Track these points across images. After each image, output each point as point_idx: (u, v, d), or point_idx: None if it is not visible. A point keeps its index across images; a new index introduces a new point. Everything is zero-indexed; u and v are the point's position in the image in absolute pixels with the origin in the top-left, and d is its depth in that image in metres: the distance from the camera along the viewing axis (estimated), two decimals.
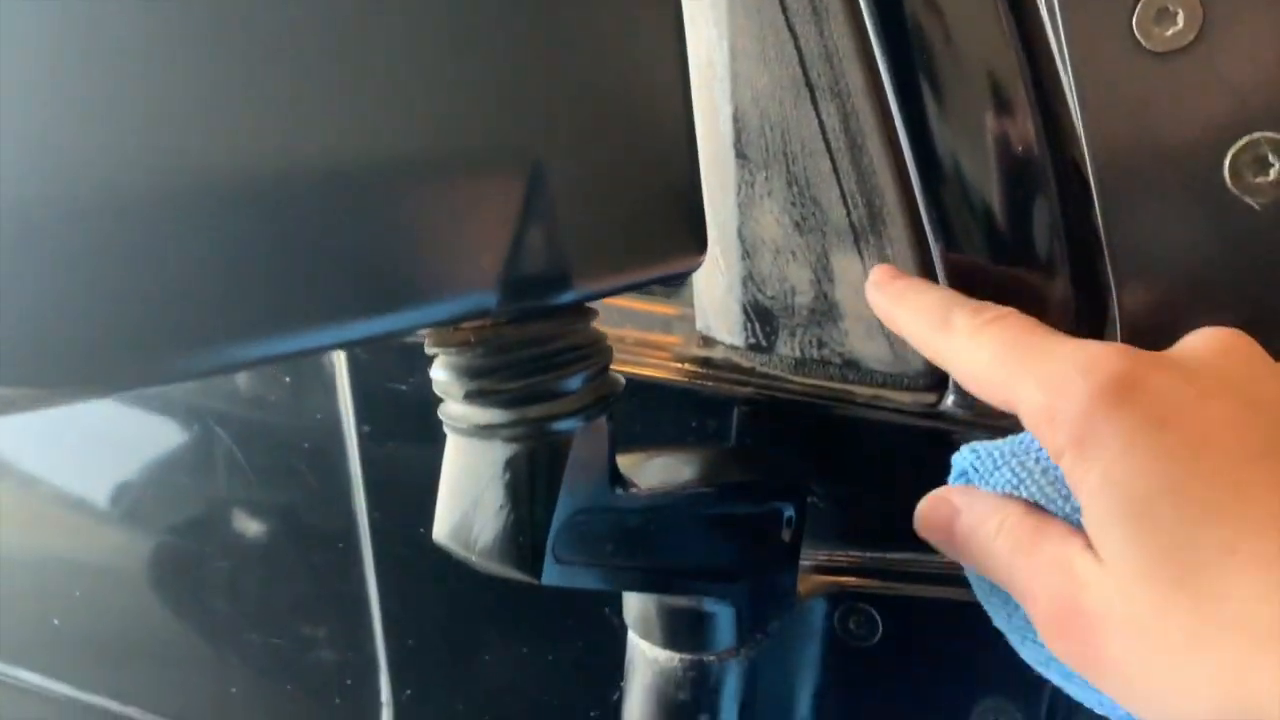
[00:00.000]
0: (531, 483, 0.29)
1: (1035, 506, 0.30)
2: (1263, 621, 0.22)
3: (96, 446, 0.61)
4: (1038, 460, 0.31)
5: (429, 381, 0.52)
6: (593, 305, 0.31)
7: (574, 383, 0.29)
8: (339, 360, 0.53)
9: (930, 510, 0.34)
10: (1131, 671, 0.25)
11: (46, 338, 0.21)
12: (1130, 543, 0.25)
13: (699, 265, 0.30)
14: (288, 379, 0.54)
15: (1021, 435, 0.32)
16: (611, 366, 0.32)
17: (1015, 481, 0.31)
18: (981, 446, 0.33)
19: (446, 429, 0.31)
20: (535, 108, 0.26)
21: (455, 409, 0.30)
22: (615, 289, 0.29)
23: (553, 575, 0.30)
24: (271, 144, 0.23)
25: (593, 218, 0.28)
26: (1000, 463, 0.32)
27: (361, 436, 0.53)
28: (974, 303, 0.33)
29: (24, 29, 0.20)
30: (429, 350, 0.30)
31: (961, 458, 0.34)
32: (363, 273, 0.25)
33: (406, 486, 0.53)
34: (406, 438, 0.52)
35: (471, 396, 0.29)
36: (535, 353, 0.28)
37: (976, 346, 0.30)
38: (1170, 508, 0.24)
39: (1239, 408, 0.25)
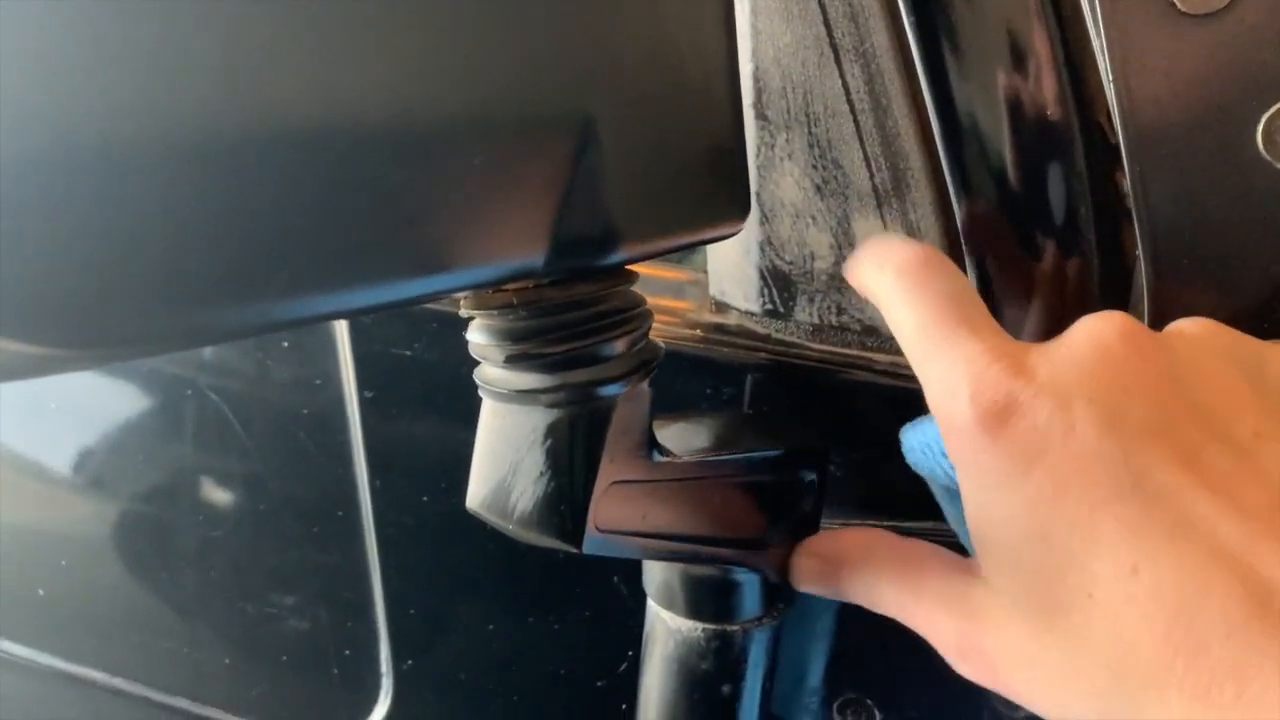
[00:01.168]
0: (572, 449, 0.28)
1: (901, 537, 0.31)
2: (1115, 659, 0.24)
3: (89, 415, 0.59)
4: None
5: (433, 347, 0.51)
6: (633, 269, 0.30)
7: (618, 347, 0.28)
8: (340, 325, 0.51)
9: (803, 568, 0.36)
10: (1034, 697, 0.27)
11: (89, 294, 0.20)
12: (1008, 582, 0.27)
13: (740, 229, 0.30)
14: (286, 344, 0.53)
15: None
16: None
17: None
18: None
19: (483, 393, 0.30)
20: (584, 65, 0.25)
21: (494, 373, 0.29)
22: (661, 251, 0.28)
23: (593, 545, 0.29)
24: (318, 99, 0.22)
25: (641, 178, 0.27)
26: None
27: (363, 403, 0.51)
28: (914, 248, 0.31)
29: None
30: (465, 312, 0.29)
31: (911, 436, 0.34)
32: (409, 232, 0.24)
33: (409, 454, 0.52)
34: (409, 405, 0.51)
35: (512, 360, 0.28)
36: (579, 315, 0.27)
37: (903, 304, 0.29)
38: (1035, 555, 0.25)
39: (1100, 437, 0.25)
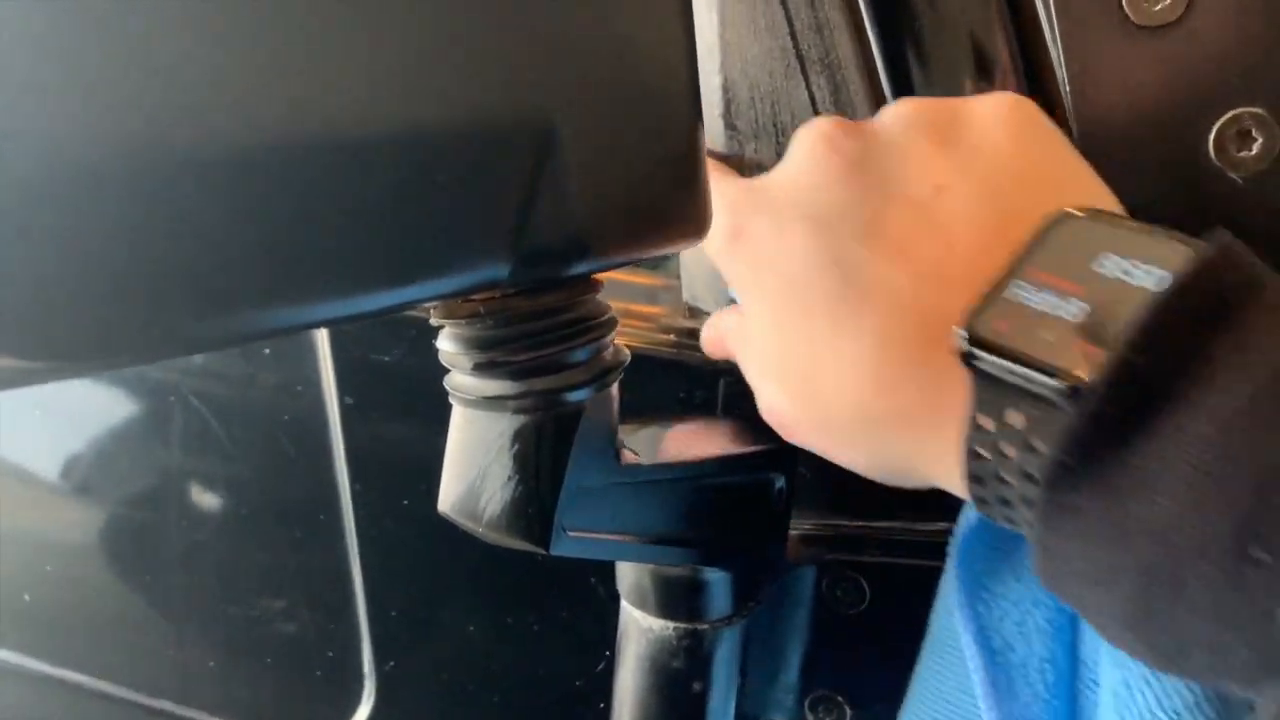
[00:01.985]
0: (540, 454, 0.29)
1: None
2: (840, 416, 0.30)
3: (74, 420, 0.60)
4: None
5: (412, 353, 0.52)
6: (598, 277, 0.31)
7: (583, 354, 0.29)
8: (320, 332, 0.52)
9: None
10: (801, 441, 0.33)
11: (63, 308, 0.21)
12: (764, 365, 0.32)
13: (703, 238, 0.30)
14: (267, 350, 0.54)
15: None
16: None
17: None
18: None
19: (453, 400, 0.31)
20: (547, 73, 0.26)
21: (463, 380, 0.30)
22: (623, 262, 0.29)
23: (561, 546, 0.30)
24: (278, 111, 0.23)
25: (605, 188, 0.27)
26: None
27: (344, 408, 0.52)
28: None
29: None
30: (435, 322, 0.30)
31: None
32: (375, 245, 0.24)
33: (389, 459, 0.53)
34: (389, 410, 0.52)
35: (480, 368, 0.29)
36: (545, 324, 0.28)
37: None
38: (779, 344, 0.31)
39: (804, 235, 0.30)
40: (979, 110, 0.31)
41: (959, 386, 0.26)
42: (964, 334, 0.25)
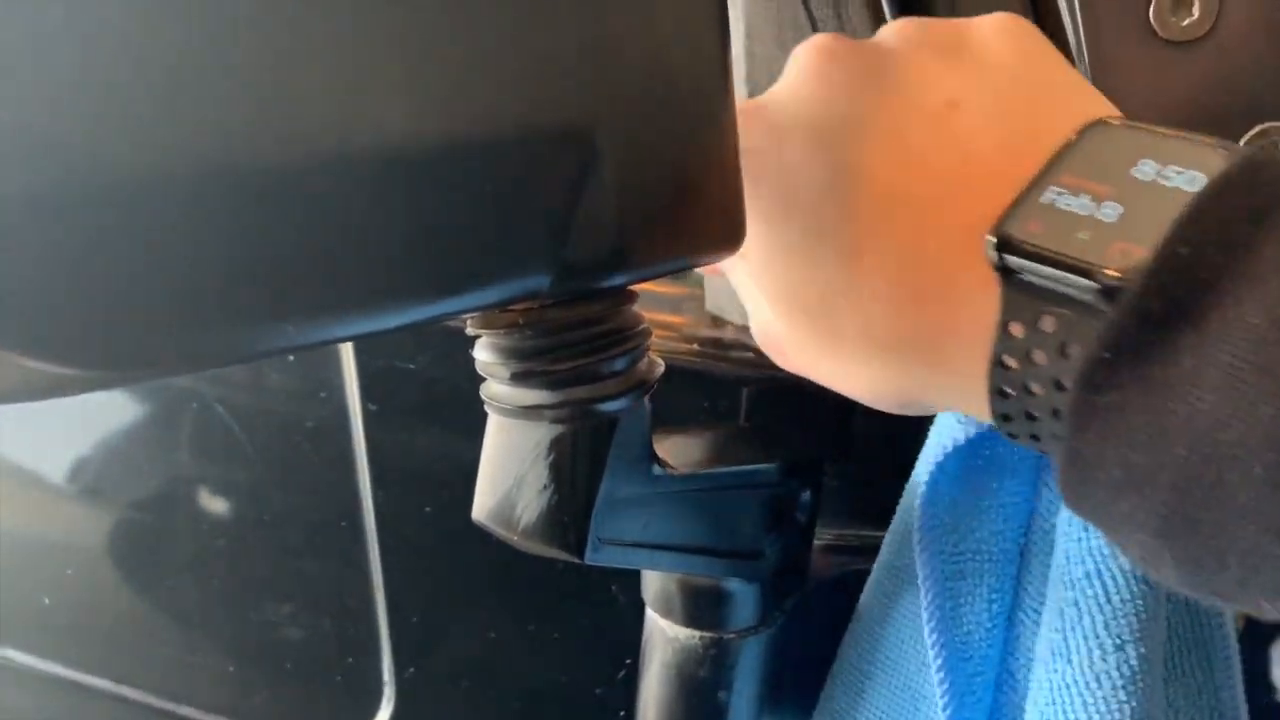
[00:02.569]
0: (575, 463, 0.29)
1: None
2: (864, 336, 0.28)
3: (92, 427, 0.60)
4: None
5: (437, 361, 0.52)
6: (634, 288, 0.31)
7: (619, 364, 0.29)
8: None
9: None
10: (819, 377, 0.31)
11: (103, 317, 0.21)
12: (772, 289, 0.30)
13: (739, 249, 0.31)
14: (291, 357, 0.54)
15: None
16: None
17: None
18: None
19: (489, 409, 0.31)
20: (586, 84, 0.26)
21: (500, 390, 0.30)
22: (658, 274, 0.29)
23: (595, 555, 0.30)
24: (321, 124, 0.23)
25: (643, 199, 0.28)
26: None
27: (367, 415, 0.52)
28: None
29: None
30: (472, 331, 0.30)
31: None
32: (417, 257, 0.25)
33: (412, 466, 0.53)
34: (413, 417, 0.52)
35: (518, 378, 0.29)
36: (583, 334, 0.28)
37: None
38: (785, 266, 0.29)
39: (806, 146, 0.29)
40: (982, 27, 0.30)
41: (983, 299, 0.25)
42: (994, 238, 0.24)
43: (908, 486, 0.38)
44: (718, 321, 0.48)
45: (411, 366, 0.51)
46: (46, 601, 0.64)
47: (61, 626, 0.65)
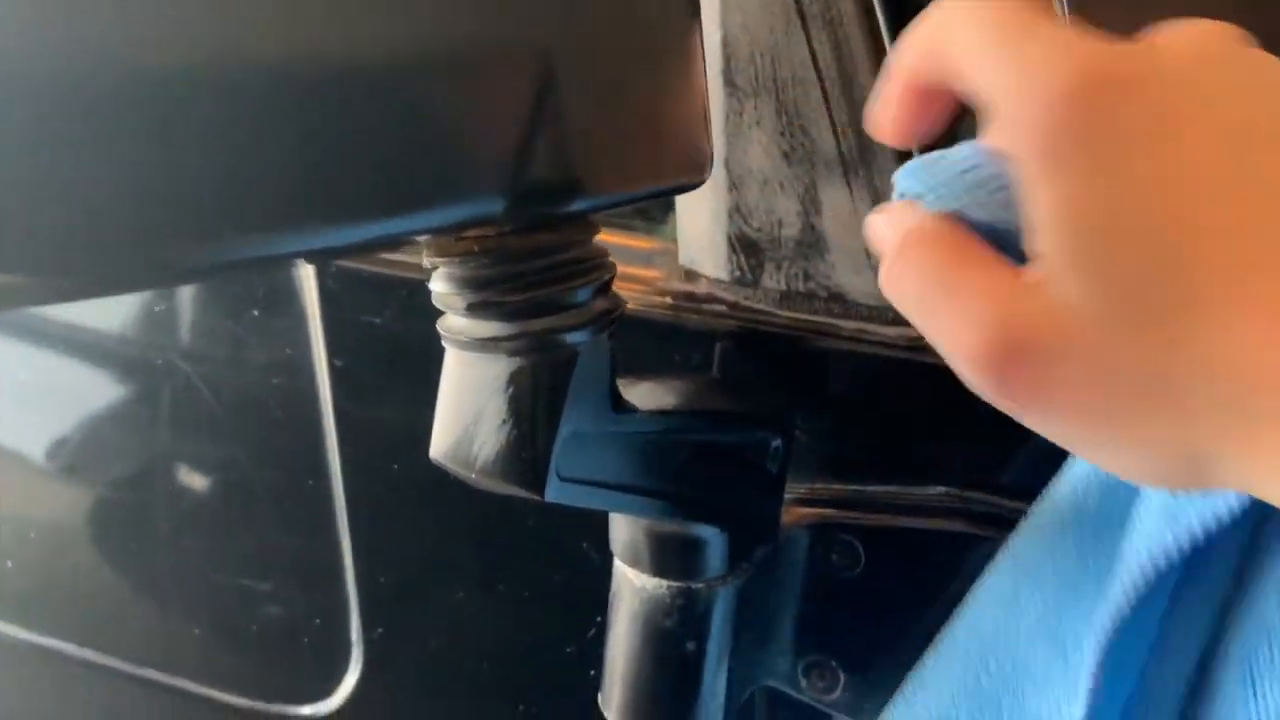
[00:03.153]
0: (535, 397, 0.29)
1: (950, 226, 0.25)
2: (1218, 375, 0.21)
3: (55, 388, 0.59)
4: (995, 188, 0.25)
5: (403, 314, 0.51)
6: (595, 219, 0.30)
7: (580, 295, 0.28)
8: (309, 292, 0.51)
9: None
10: (1082, 416, 0.23)
11: (55, 225, 0.20)
12: (1090, 280, 0.22)
13: (704, 180, 0.30)
14: (256, 312, 0.53)
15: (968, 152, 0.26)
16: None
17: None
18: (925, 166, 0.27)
19: (446, 343, 0.30)
20: (545, 5, 0.26)
21: (456, 322, 0.29)
22: (623, 201, 0.28)
23: (555, 492, 0.29)
24: (275, 36, 0.22)
25: (604, 123, 0.27)
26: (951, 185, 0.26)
27: (333, 371, 0.52)
28: None
29: None
30: (428, 262, 0.29)
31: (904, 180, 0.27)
32: (367, 173, 0.24)
33: (379, 422, 0.52)
34: (380, 372, 0.51)
35: (474, 309, 0.28)
36: (541, 264, 0.28)
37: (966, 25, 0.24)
38: (1135, 249, 0.22)
39: (1219, 137, 0.22)
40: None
41: None
42: None
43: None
44: (691, 275, 0.47)
45: (378, 320, 0.50)
46: (9, 564, 0.63)
47: (23, 591, 0.64)
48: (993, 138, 0.24)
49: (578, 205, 0.27)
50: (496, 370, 0.29)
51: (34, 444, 0.62)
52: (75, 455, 0.61)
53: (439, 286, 0.29)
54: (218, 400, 0.55)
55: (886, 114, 0.27)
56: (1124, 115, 0.22)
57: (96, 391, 0.59)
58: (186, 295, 0.55)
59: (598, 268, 0.29)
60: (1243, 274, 0.21)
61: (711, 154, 0.30)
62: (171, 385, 0.56)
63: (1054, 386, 0.23)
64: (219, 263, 0.23)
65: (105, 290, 0.22)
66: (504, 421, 0.29)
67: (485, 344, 0.29)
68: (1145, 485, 0.26)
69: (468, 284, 0.28)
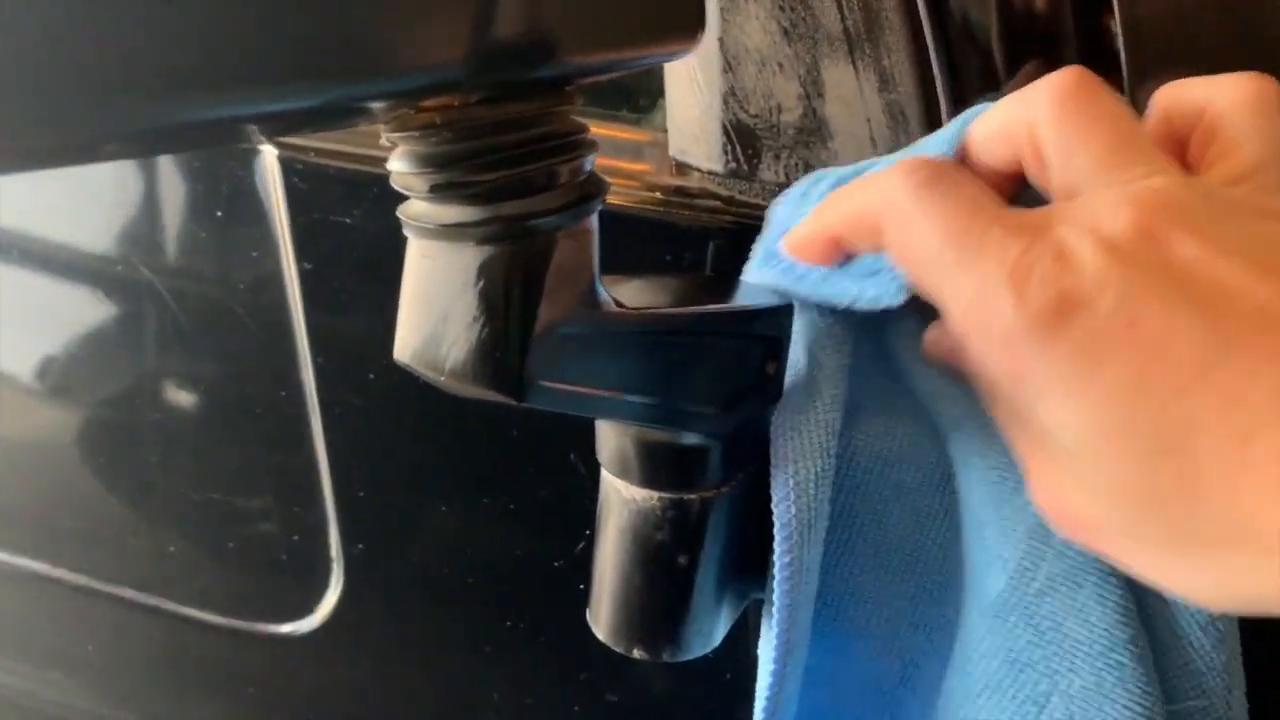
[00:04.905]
0: (509, 290, 0.26)
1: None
2: (1232, 531, 0.23)
3: (25, 308, 0.56)
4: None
5: (373, 214, 0.48)
6: (573, 91, 0.27)
7: (556, 175, 0.25)
8: (275, 191, 0.48)
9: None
10: (1141, 567, 0.25)
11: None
12: (1097, 477, 0.24)
13: (695, 46, 0.27)
14: (219, 213, 0.49)
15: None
16: None
17: None
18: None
19: (408, 231, 0.27)
20: None
21: (419, 207, 0.26)
22: (603, 66, 0.25)
23: (534, 397, 0.27)
24: None
25: None
26: None
27: (302, 275, 0.48)
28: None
29: None
30: (386, 137, 0.26)
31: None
32: (317, 25, 0.21)
33: (353, 328, 0.49)
34: (351, 276, 0.48)
35: (438, 190, 0.25)
36: (512, 138, 0.24)
37: (925, 215, 0.26)
38: (1125, 447, 0.23)
39: (1172, 309, 0.22)
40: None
41: None
42: None
43: None
44: (682, 169, 0.44)
45: (347, 220, 0.47)
46: None
47: (4, 512, 0.62)
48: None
49: (553, 69, 0.24)
50: (465, 261, 0.26)
51: (20, 364, 0.59)
52: (36, 373, 0.58)
53: (398, 166, 0.26)
54: (183, 309, 0.52)
55: (801, 249, 0.31)
56: (1077, 330, 0.23)
57: (58, 306, 0.56)
58: (147, 199, 0.52)
59: (578, 145, 0.26)
60: (1238, 446, 0.22)
61: (704, 14, 0.26)
62: (133, 293, 0.53)
63: (1097, 536, 0.26)
64: (162, 125, 0.20)
65: (48, 158, 0.20)
66: (475, 319, 0.26)
67: (451, 231, 0.26)
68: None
69: (430, 162, 0.25)
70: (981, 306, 0.24)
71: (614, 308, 0.29)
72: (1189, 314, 0.22)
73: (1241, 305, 0.22)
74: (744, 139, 0.41)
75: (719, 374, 0.33)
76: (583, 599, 0.48)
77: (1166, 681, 0.32)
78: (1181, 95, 0.28)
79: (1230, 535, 0.23)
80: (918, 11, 0.37)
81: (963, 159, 0.29)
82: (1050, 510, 0.27)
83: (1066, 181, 0.26)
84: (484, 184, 0.25)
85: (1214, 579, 0.24)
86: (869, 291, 0.29)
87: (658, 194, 0.44)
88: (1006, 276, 0.23)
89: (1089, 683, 0.31)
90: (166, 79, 0.20)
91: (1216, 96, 0.27)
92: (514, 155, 0.25)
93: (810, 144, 0.40)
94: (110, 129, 0.20)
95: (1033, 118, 0.26)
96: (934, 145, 0.29)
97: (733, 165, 0.42)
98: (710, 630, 0.38)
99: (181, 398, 0.54)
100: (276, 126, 0.23)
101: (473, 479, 0.50)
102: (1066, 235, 0.24)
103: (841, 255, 0.30)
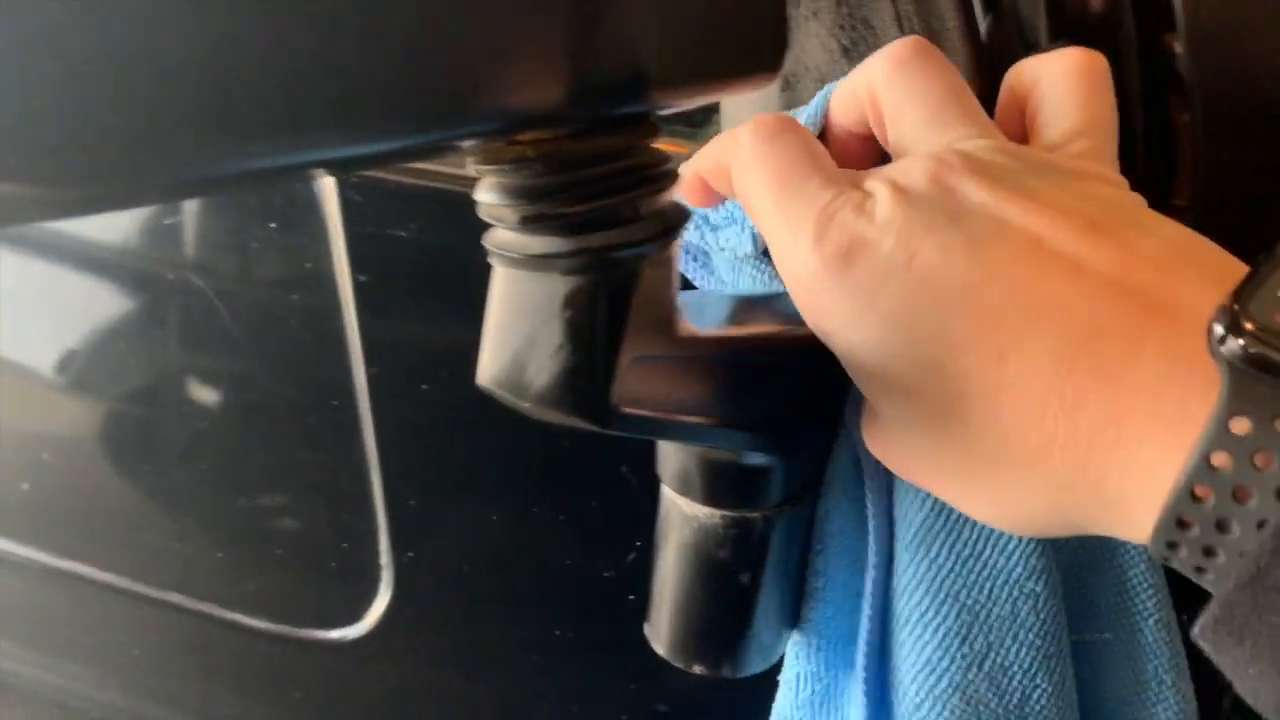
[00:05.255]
0: (594, 319, 0.26)
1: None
2: (1000, 449, 0.24)
3: (75, 309, 0.57)
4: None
5: (430, 227, 0.48)
6: (657, 122, 0.27)
7: (642, 207, 0.26)
8: (330, 204, 0.48)
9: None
10: (941, 491, 0.28)
11: (65, 131, 0.18)
12: (890, 407, 0.27)
13: (774, 79, 0.27)
14: (272, 225, 0.50)
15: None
16: None
17: None
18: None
19: (494, 260, 0.27)
20: None
21: (506, 237, 0.26)
22: (689, 100, 0.25)
23: (617, 423, 0.27)
24: None
25: (670, 13, 0.24)
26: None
27: (357, 287, 0.49)
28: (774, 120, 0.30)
29: None
30: (475, 169, 0.26)
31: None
32: (413, 71, 0.21)
33: (406, 340, 0.50)
34: (406, 289, 0.49)
35: (528, 222, 0.25)
36: (601, 171, 0.25)
37: (755, 167, 0.28)
38: (905, 376, 0.25)
39: (946, 243, 0.24)
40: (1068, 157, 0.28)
41: (1179, 393, 0.22)
42: (1225, 321, 0.21)
43: None
44: None
45: (404, 234, 0.47)
46: (25, 488, 0.62)
47: (47, 513, 0.63)
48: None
49: (642, 105, 0.24)
50: (551, 290, 0.26)
51: (48, 360, 0.59)
52: (85, 373, 0.59)
53: (486, 197, 0.26)
54: (233, 316, 0.52)
55: (684, 190, 0.33)
56: (860, 270, 0.25)
57: (108, 309, 0.57)
58: (198, 207, 0.53)
59: (662, 176, 0.26)
60: (995, 363, 0.24)
61: (785, 50, 0.27)
62: (185, 301, 0.53)
63: (900, 465, 0.29)
64: (239, 170, 0.20)
65: (107, 203, 0.20)
66: (560, 347, 0.26)
67: (539, 261, 0.26)
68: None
69: (520, 194, 0.25)
70: (790, 251, 0.26)
71: (693, 332, 0.29)
72: (961, 247, 0.24)
73: (1013, 238, 0.24)
74: None
75: (791, 396, 0.34)
76: (633, 609, 0.49)
77: (1091, 607, 0.34)
78: (1021, 70, 0.30)
79: (996, 454, 0.24)
80: (978, 32, 0.38)
81: (826, 123, 0.32)
82: (873, 449, 0.30)
83: (897, 142, 0.28)
84: (573, 215, 0.25)
85: (999, 500, 0.26)
86: (731, 240, 0.34)
87: None
88: (811, 223, 0.26)
89: (1005, 613, 0.32)
90: (241, 127, 0.19)
91: (1045, 70, 0.29)
92: (604, 187, 0.25)
93: None
94: (184, 178, 0.20)
95: (872, 80, 0.29)
96: (804, 112, 0.33)
97: None
98: (771, 647, 0.38)
99: (232, 404, 0.55)
100: (362, 169, 0.24)
101: (523, 489, 0.50)
102: (873, 187, 0.26)
103: (713, 198, 0.33)
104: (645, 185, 0.26)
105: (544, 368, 0.27)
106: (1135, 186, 0.27)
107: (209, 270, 0.53)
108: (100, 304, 0.57)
